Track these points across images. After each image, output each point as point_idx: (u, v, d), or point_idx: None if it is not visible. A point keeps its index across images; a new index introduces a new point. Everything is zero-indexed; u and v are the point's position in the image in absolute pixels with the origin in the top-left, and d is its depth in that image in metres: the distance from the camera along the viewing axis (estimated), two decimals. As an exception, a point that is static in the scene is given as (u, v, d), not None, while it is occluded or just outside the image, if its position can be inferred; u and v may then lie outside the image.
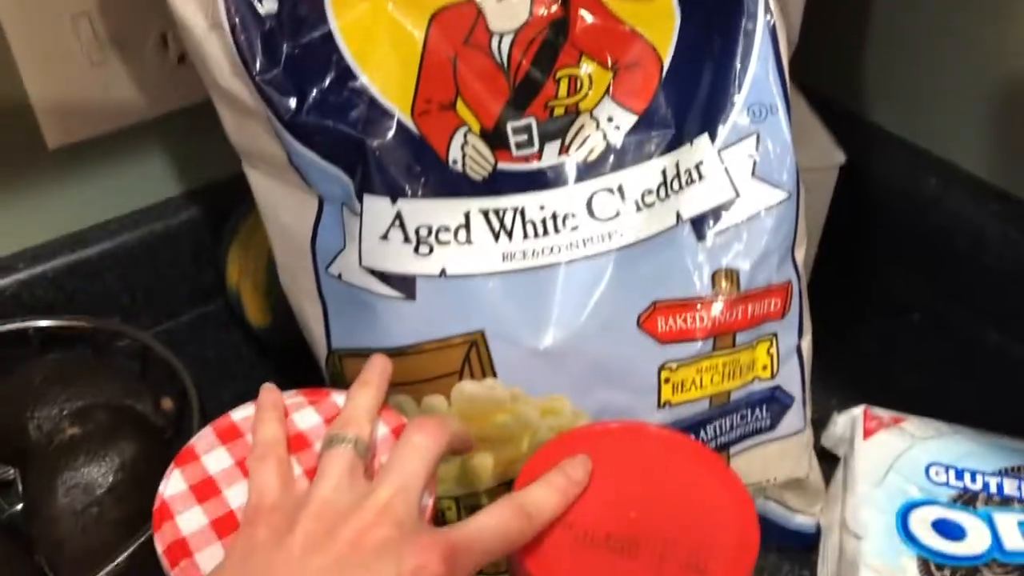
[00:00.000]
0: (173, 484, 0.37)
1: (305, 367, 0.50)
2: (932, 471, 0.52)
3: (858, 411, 0.55)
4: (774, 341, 0.47)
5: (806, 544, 0.52)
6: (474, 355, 0.43)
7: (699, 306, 0.45)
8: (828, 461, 0.55)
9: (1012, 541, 0.49)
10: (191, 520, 0.35)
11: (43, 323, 0.58)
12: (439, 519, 0.45)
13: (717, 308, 0.45)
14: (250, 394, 0.42)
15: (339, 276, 0.44)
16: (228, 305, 0.66)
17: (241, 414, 0.40)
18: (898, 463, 0.53)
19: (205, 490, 0.36)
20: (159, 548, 0.35)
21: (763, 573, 0.52)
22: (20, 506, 0.53)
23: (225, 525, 0.35)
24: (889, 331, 0.64)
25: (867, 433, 0.54)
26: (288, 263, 0.48)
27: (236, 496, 0.36)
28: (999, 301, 0.58)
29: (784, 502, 0.51)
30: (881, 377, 0.61)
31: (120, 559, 0.44)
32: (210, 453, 0.38)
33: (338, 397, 0.40)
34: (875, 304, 0.65)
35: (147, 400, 0.54)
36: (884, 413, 0.55)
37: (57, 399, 0.53)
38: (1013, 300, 0.58)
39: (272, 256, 0.52)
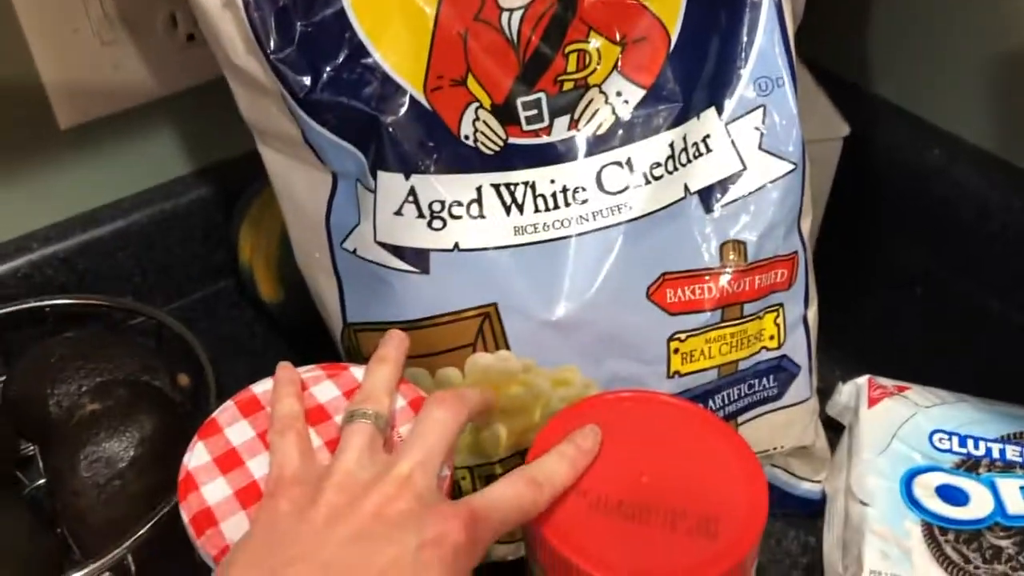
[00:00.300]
0: (197, 456, 0.38)
1: (318, 343, 0.51)
2: (936, 438, 0.53)
3: (862, 380, 0.56)
4: (781, 311, 0.48)
5: (812, 511, 0.53)
6: (487, 327, 0.44)
7: (707, 277, 0.46)
8: (833, 430, 0.56)
9: (1014, 505, 0.50)
10: (216, 490, 0.36)
11: (59, 301, 0.59)
12: (455, 489, 0.46)
13: (725, 279, 0.46)
14: (264, 370, 0.43)
15: (354, 251, 0.45)
16: (239, 283, 0.67)
17: (262, 388, 0.41)
18: (902, 431, 0.53)
19: (228, 461, 0.37)
20: (185, 517, 0.36)
21: (770, 539, 0.53)
22: (41, 481, 0.54)
23: (249, 495, 0.36)
24: (893, 302, 0.65)
25: (871, 402, 0.55)
26: (303, 239, 0.49)
27: (259, 467, 0.37)
28: (1002, 271, 0.59)
29: (790, 469, 0.52)
30: (885, 348, 0.62)
31: (143, 530, 0.45)
32: (232, 425, 0.39)
33: (356, 371, 0.41)
34: (879, 276, 0.66)
35: (164, 376, 0.55)
36: (888, 382, 0.56)
37: (75, 376, 0.54)
38: (1016, 270, 0.58)
39: (284, 233, 0.53)
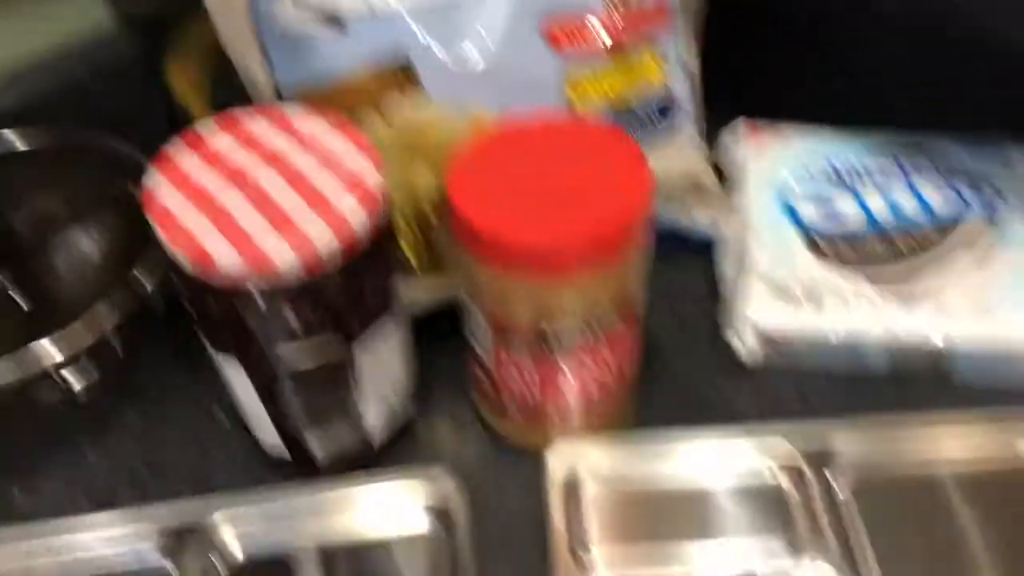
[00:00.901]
0: (155, 180, 0.43)
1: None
2: (811, 166, 0.61)
3: (742, 125, 0.63)
4: (661, 53, 0.55)
5: (709, 243, 0.60)
6: (405, 79, 0.50)
7: (594, 21, 0.52)
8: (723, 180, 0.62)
9: (878, 211, 0.58)
10: (172, 199, 0.42)
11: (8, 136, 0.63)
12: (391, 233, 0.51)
13: (609, 23, 0.52)
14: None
15: (278, 22, 0.50)
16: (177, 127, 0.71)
17: (205, 129, 0.46)
18: (781, 163, 0.61)
19: (180, 180, 0.43)
20: (151, 219, 0.41)
21: (675, 274, 0.59)
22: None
23: (201, 201, 0.42)
24: (772, 57, 0.69)
25: (752, 143, 0.62)
26: (230, 32, 0.53)
27: (208, 182, 0.43)
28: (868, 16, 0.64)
29: (687, 206, 0.59)
30: (767, 103, 0.67)
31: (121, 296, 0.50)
32: (181, 156, 0.44)
33: (252, 124, 0.46)
34: (758, 31, 0.70)
35: (120, 186, 0.60)
36: (766, 124, 0.63)
37: (37, 194, 0.58)
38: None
39: (210, 60, 0.58)
